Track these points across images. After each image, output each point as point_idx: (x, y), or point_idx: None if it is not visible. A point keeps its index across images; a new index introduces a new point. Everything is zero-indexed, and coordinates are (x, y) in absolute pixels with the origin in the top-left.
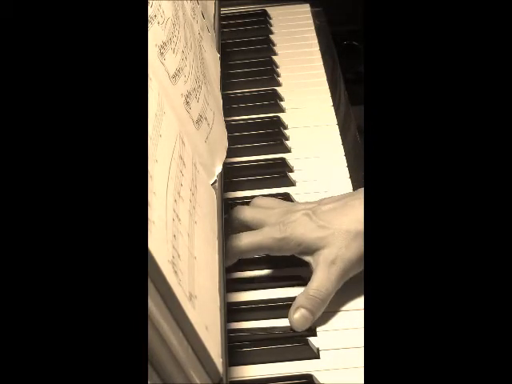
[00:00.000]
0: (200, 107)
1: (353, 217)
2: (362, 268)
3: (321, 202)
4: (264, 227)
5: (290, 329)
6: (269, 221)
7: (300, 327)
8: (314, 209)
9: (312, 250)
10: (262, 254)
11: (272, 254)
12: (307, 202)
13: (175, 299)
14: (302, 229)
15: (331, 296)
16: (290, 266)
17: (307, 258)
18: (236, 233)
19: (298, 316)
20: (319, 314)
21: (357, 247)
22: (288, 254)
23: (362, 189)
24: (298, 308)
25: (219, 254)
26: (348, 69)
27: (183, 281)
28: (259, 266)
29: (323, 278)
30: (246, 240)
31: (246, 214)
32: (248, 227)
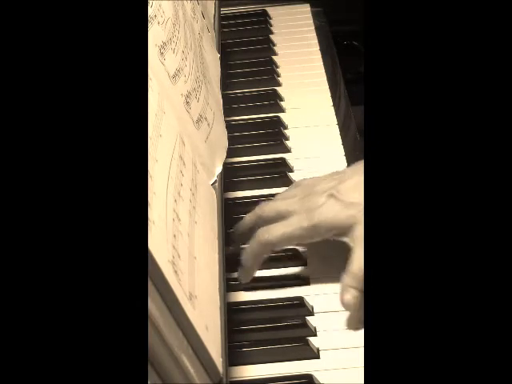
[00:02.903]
0: (200, 107)
1: None
2: None
3: (341, 179)
4: (290, 217)
5: (290, 328)
6: (291, 209)
7: (352, 307)
8: (337, 188)
9: (346, 230)
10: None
11: (303, 243)
12: (324, 179)
13: (175, 299)
14: (330, 212)
15: None
16: (290, 266)
17: (343, 239)
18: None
19: (349, 297)
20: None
21: None
22: (320, 239)
23: None
24: (347, 289)
25: (219, 253)
26: (348, 69)
27: (183, 281)
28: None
29: (362, 255)
30: (275, 232)
31: (266, 209)
32: (271, 222)
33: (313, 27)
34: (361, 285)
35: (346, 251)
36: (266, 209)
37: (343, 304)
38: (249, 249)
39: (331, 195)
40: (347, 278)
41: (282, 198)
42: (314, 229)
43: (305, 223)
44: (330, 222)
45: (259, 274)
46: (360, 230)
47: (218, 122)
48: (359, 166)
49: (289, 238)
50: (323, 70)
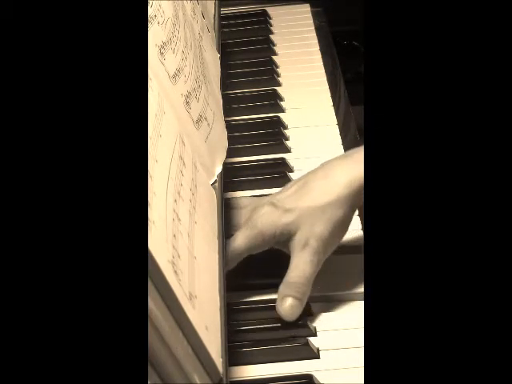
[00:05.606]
0: (200, 107)
1: (315, 192)
2: (338, 241)
3: (282, 190)
4: (236, 231)
5: (290, 328)
6: (238, 222)
7: (291, 316)
8: (277, 197)
9: (287, 238)
10: (258, 254)
11: (253, 253)
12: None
13: (175, 299)
14: (269, 219)
15: (313, 277)
16: None
17: (284, 249)
18: None
19: (286, 305)
20: (306, 298)
21: (326, 220)
22: (267, 248)
23: (321, 164)
24: (283, 298)
25: (219, 253)
26: (348, 69)
27: (183, 281)
28: (259, 266)
29: (299, 262)
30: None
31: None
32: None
33: (313, 27)
34: (298, 292)
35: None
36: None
37: (280, 313)
38: None
39: (271, 203)
40: (283, 287)
41: (237, 207)
42: (259, 236)
43: (248, 233)
44: (271, 228)
45: (259, 274)
46: (297, 239)
47: (218, 121)
48: (302, 176)
49: (238, 254)
50: (323, 70)
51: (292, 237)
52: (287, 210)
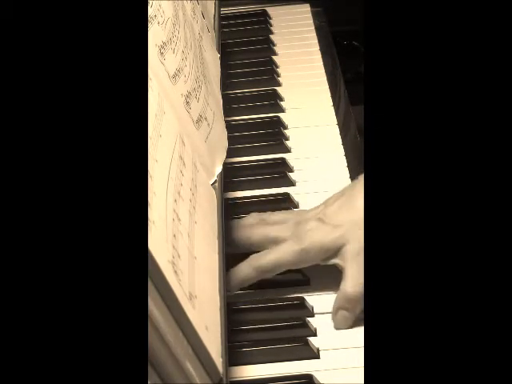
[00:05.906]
0: (200, 107)
1: (359, 206)
2: None
3: (326, 204)
4: (280, 243)
5: (290, 328)
6: (282, 236)
7: (343, 327)
8: (324, 212)
9: (335, 252)
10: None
11: (295, 268)
12: (313, 209)
13: (175, 299)
14: (318, 235)
15: None
16: None
17: (333, 261)
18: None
19: (339, 318)
20: (361, 307)
21: None
22: (312, 264)
23: (359, 177)
24: (338, 310)
25: (219, 254)
26: (348, 69)
27: (183, 281)
28: None
29: (355, 272)
30: (265, 259)
31: (256, 233)
32: (261, 247)
33: (313, 27)
34: (354, 306)
35: None
36: (255, 233)
37: (334, 323)
38: (239, 272)
39: (318, 219)
40: (338, 299)
41: (272, 223)
42: (305, 253)
43: (295, 247)
44: (320, 245)
45: None
46: (349, 250)
47: (218, 122)
48: (344, 189)
49: (280, 264)
50: (323, 70)
51: (341, 250)
52: (335, 226)
